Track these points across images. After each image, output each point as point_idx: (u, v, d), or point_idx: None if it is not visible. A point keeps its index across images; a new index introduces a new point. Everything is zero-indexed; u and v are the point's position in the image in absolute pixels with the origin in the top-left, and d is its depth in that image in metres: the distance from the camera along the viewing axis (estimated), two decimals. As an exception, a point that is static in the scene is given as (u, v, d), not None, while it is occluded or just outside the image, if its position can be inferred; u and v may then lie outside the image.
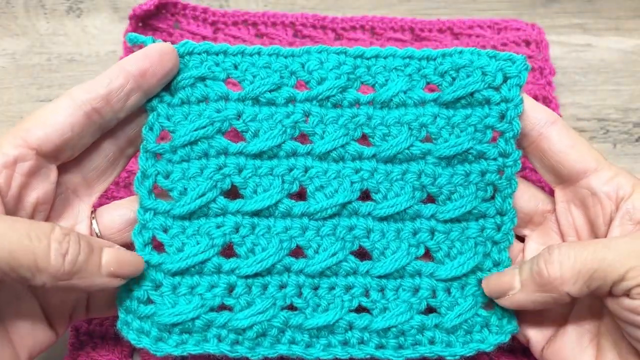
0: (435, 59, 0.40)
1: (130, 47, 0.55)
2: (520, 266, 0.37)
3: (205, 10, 0.58)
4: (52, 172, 0.37)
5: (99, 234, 0.39)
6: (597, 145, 0.55)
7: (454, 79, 0.39)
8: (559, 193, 0.41)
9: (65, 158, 0.37)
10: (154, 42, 0.39)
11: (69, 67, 0.58)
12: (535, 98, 0.55)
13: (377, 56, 0.40)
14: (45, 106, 0.36)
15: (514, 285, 0.37)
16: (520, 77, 0.39)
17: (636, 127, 0.56)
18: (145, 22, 0.57)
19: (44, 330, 0.37)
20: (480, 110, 0.39)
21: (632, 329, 0.34)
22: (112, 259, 0.35)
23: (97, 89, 0.36)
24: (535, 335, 0.40)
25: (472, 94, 0.39)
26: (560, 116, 0.54)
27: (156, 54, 0.37)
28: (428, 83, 0.40)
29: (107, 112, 0.37)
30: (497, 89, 0.39)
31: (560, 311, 0.39)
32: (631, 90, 0.58)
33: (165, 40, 0.56)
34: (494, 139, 0.40)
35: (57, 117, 0.35)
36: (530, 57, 0.56)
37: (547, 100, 0.55)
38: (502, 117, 0.39)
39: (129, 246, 0.38)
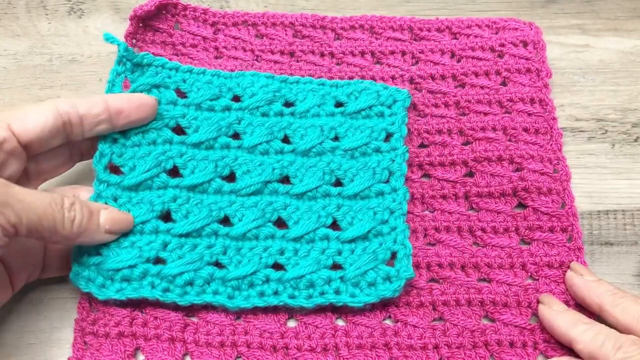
0: (342, 86, 0.53)
1: (130, 47, 0.56)
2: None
3: (205, 11, 0.59)
4: (24, 157, 0.43)
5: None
6: (596, 145, 0.55)
7: (357, 97, 0.52)
8: None
9: (32, 152, 0.43)
10: (126, 47, 0.49)
11: (70, 68, 0.58)
12: (532, 100, 0.55)
13: (297, 82, 0.53)
14: (32, 105, 0.43)
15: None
16: (405, 101, 0.52)
17: (635, 128, 0.56)
18: (145, 23, 0.57)
19: (5, 287, 0.43)
20: (377, 119, 0.51)
21: None
22: (108, 219, 0.43)
23: (77, 108, 0.44)
24: None
25: (370, 107, 0.51)
26: (557, 118, 0.55)
27: (137, 102, 0.46)
28: (337, 101, 0.52)
29: (78, 129, 0.44)
30: (389, 107, 0.51)
31: None
32: (630, 90, 0.58)
33: (165, 41, 0.57)
34: (387, 139, 0.50)
35: (39, 118, 0.42)
36: (527, 58, 0.57)
37: (543, 103, 0.55)
38: (392, 123, 0.51)
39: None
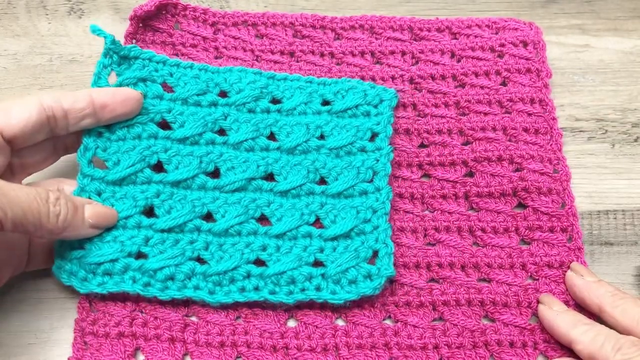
0: (329, 85, 0.53)
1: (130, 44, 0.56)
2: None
3: (205, 11, 0.59)
4: (8, 151, 0.43)
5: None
6: (596, 145, 0.55)
7: (343, 96, 0.52)
8: None
9: (16, 146, 0.43)
10: (113, 39, 0.48)
11: (70, 68, 0.58)
12: (532, 100, 0.55)
13: (285, 79, 0.53)
14: (16, 100, 0.43)
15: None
16: (391, 101, 0.52)
17: (635, 128, 0.56)
18: (145, 23, 0.57)
19: None
20: (362, 118, 0.51)
21: None
22: (92, 214, 0.44)
23: (62, 102, 0.43)
24: None
25: (356, 106, 0.51)
26: (557, 118, 0.55)
27: (123, 96, 0.46)
28: (324, 99, 0.52)
29: (62, 123, 0.44)
30: (375, 106, 0.52)
31: None
32: (630, 90, 0.58)
33: (165, 41, 0.57)
34: (372, 139, 0.50)
35: (23, 112, 0.42)
36: (527, 58, 0.57)
37: (543, 103, 0.55)
38: (378, 124, 0.51)
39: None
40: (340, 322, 0.47)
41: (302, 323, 0.46)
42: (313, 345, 0.45)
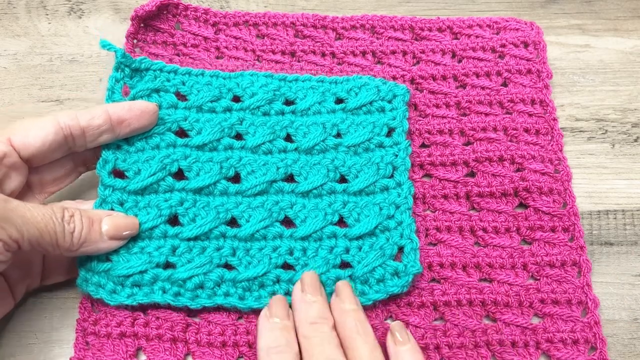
0: (341, 83, 0.53)
1: (131, 48, 0.56)
2: None
3: (206, 11, 0.59)
4: (25, 170, 0.43)
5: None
6: (596, 145, 0.55)
7: (357, 93, 0.52)
8: None
9: (35, 164, 0.44)
10: (123, 53, 0.48)
11: (70, 68, 0.58)
12: (533, 101, 0.55)
13: (296, 80, 0.53)
14: (34, 119, 0.43)
15: None
16: (404, 96, 0.52)
17: (635, 128, 0.56)
18: (146, 23, 0.57)
19: (7, 298, 0.43)
20: (378, 114, 0.52)
21: None
22: (111, 226, 0.43)
23: (79, 120, 0.44)
24: None
25: (371, 102, 0.52)
26: (557, 119, 0.55)
27: (139, 110, 0.46)
28: (337, 98, 0.52)
29: (80, 141, 0.44)
30: (389, 102, 0.52)
31: None
32: (630, 90, 0.58)
33: (166, 41, 0.57)
34: (389, 134, 0.51)
35: (40, 132, 0.42)
36: (528, 59, 0.57)
37: (544, 104, 0.55)
38: (394, 118, 0.51)
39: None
40: (341, 322, 0.47)
41: (304, 323, 0.46)
42: None
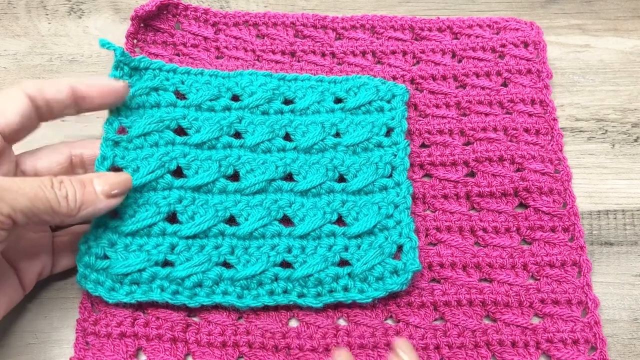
0: (340, 82, 0.53)
1: (131, 47, 0.56)
2: None
3: (206, 11, 0.59)
4: (12, 153, 0.44)
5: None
6: (596, 145, 0.55)
7: (355, 93, 0.52)
8: None
9: (18, 139, 0.44)
10: (122, 52, 0.48)
11: (70, 68, 0.58)
12: (533, 101, 0.55)
13: (295, 79, 0.53)
14: (2, 93, 0.42)
15: None
16: (403, 96, 0.52)
17: (635, 128, 0.56)
18: (146, 23, 0.57)
19: (16, 288, 0.43)
20: (377, 114, 0.52)
21: None
22: (104, 185, 0.42)
23: (45, 93, 0.43)
24: None
25: (370, 102, 0.52)
26: (557, 119, 0.55)
27: (103, 87, 0.45)
28: (336, 97, 0.53)
29: (46, 112, 0.44)
30: (388, 101, 0.52)
31: None
32: (630, 90, 0.58)
33: (166, 41, 0.57)
34: (388, 134, 0.51)
35: (12, 107, 0.42)
36: (528, 59, 0.57)
37: (544, 104, 0.55)
38: (393, 118, 0.51)
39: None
40: (342, 322, 0.47)
41: (304, 323, 0.46)
42: (315, 345, 0.45)
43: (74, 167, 0.47)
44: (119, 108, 0.48)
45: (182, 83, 0.51)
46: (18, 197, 0.37)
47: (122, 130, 0.49)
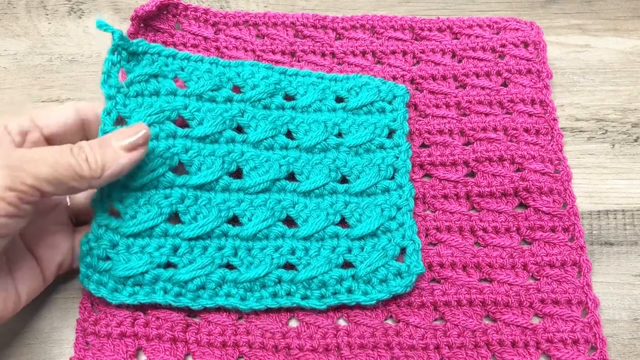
0: (341, 81, 0.53)
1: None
2: None
3: (206, 11, 0.59)
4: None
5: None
6: (596, 145, 0.55)
7: (357, 93, 0.52)
8: None
9: (54, 144, 0.44)
10: (121, 35, 0.46)
11: (70, 68, 0.58)
12: (533, 101, 0.55)
13: (296, 74, 0.52)
14: (56, 105, 0.47)
15: None
16: (404, 97, 0.52)
17: (635, 128, 0.56)
18: (146, 23, 0.57)
19: (38, 278, 0.44)
20: (378, 115, 0.52)
21: None
22: (122, 139, 0.42)
23: (96, 110, 0.46)
24: None
25: (371, 103, 0.52)
26: (557, 119, 0.55)
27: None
28: (337, 96, 0.52)
29: (95, 129, 0.45)
30: (389, 102, 0.52)
31: None
32: (630, 90, 0.58)
33: (166, 41, 0.57)
34: (390, 136, 0.51)
35: (60, 114, 0.44)
36: (528, 59, 0.57)
37: (544, 104, 0.55)
38: (394, 120, 0.51)
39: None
40: (342, 322, 0.47)
41: (304, 323, 0.46)
42: (315, 345, 0.45)
43: None
44: (116, 95, 0.46)
45: (182, 70, 0.50)
46: (40, 166, 0.38)
47: (121, 121, 0.46)
